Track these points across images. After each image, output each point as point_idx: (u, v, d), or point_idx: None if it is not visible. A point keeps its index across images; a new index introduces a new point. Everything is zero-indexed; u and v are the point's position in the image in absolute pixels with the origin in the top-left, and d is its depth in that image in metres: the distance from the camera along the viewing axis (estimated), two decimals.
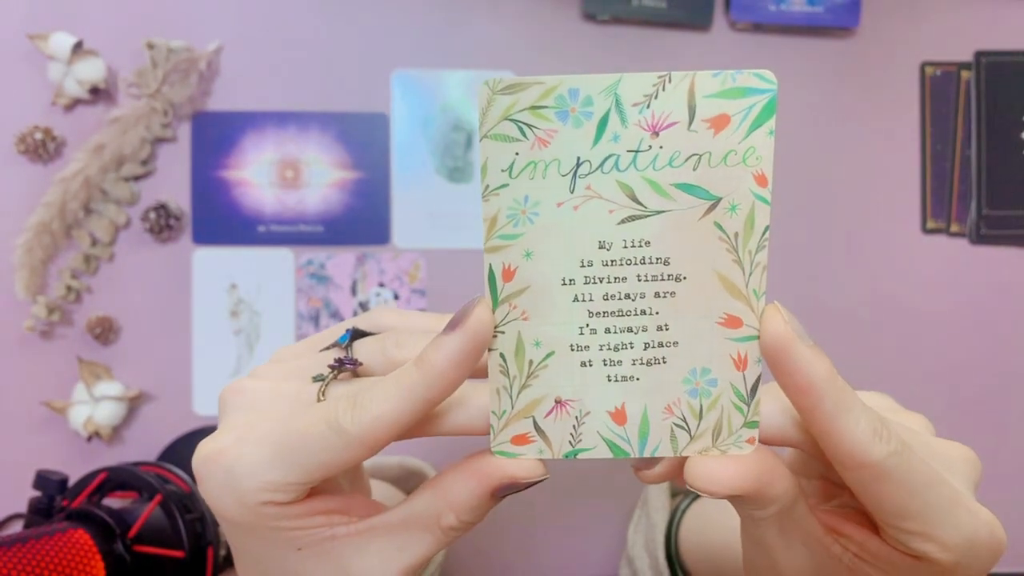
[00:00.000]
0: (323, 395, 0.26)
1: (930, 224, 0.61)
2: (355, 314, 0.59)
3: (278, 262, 0.59)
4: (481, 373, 0.26)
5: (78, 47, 0.55)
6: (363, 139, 0.59)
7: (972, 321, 0.61)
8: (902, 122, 0.61)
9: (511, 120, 0.23)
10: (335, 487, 0.29)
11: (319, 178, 0.59)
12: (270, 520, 0.26)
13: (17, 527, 0.56)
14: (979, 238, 0.61)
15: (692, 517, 0.47)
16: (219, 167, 0.58)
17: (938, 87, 0.61)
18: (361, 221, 0.59)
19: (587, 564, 0.59)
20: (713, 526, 0.44)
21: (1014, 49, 0.61)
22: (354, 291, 0.59)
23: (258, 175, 0.59)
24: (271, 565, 0.27)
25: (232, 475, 0.25)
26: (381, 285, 0.59)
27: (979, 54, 0.61)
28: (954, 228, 0.61)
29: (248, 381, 0.28)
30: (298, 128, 0.59)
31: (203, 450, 0.26)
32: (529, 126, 0.23)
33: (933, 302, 0.61)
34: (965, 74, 0.61)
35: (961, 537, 0.24)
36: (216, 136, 0.58)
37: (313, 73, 0.59)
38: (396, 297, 0.59)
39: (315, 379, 0.28)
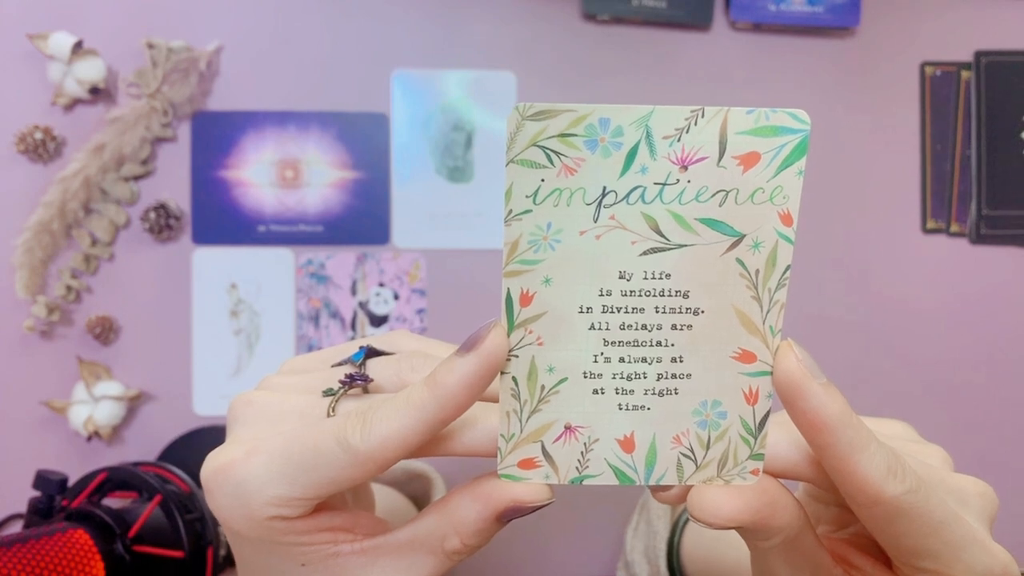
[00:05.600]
0: (333, 410, 0.26)
1: (930, 224, 0.61)
2: (355, 314, 0.59)
3: (278, 262, 0.59)
4: (490, 396, 0.25)
5: (78, 47, 0.55)
6: (363, 139, 0.59)
7: (972, 321, 0.61)
8: (902, 122, 0.61)
9: (539, 146, 0.22)
10: (340, 503, 0.29)
11: (319, 178, 0.59)
12: (277, 535, 0.26)
13: (17, 527, 0.56)
14: (979, 238, 0.61)
15: (699, 530, 0.47)
16: (219, 167, 0.58)
17: (938, 87, 0.61)
18: (361, 221, 0.59)
19: (583, 565, 0.59)
20: (723, 544, 0.44)
21: (1014, 49, 0.61)
22: (354, 291, 0.59)
23: (258, 175, 0.59)
24: None
25: (241, 488, 0.25)
26: (381, 285, 0.59)
27: (979, 54, 0.61)
28: (954, 228, 0.61)
29: (258, 393, 0.28)
30: (298, 128, 0.59)
31: (212, 462, 0.26)
32: (557, 153, 0.22)
33: (933, 302, 0.61)
34: (965, 74, 0.61)
35: None
36: (216, 136, 0.58)
37: (313, 73, 0.59)
38: (396, 297, 0.59)
39: (325, 393, 0.28)
